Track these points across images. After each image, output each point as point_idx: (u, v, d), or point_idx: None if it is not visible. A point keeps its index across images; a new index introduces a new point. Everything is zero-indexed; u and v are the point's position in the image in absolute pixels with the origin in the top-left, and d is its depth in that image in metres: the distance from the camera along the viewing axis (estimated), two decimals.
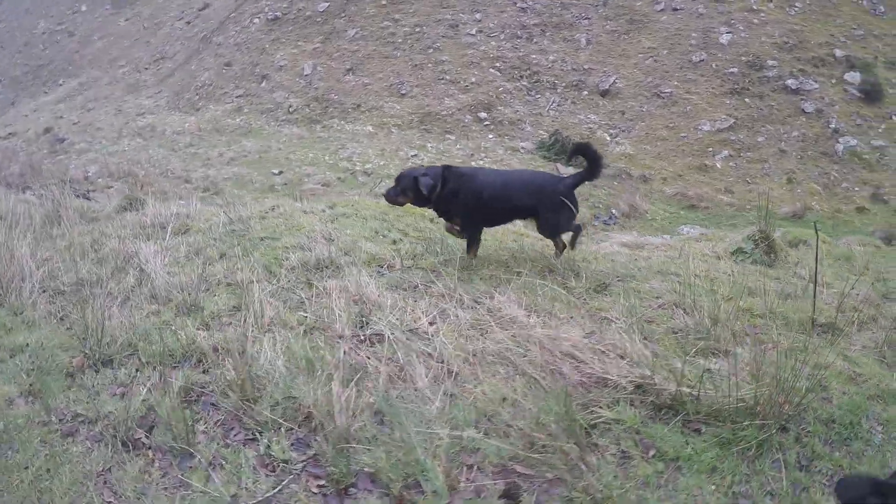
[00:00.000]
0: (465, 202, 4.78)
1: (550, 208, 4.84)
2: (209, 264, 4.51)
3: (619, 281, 4.60)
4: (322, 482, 2.23)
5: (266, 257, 4.63)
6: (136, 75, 23.41)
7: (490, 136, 15.88)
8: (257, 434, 2.50)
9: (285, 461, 2.36)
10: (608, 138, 16.50)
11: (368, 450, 2.31)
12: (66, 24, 30.60)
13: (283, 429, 2.49)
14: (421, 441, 2.27)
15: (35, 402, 2.92)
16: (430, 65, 18.09)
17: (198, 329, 3.41)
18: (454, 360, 2.87)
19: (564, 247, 5.14)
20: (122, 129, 18.59)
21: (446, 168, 4.82)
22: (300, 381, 2.68)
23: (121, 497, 2.29)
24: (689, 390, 2.77)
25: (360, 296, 3.71)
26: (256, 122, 16.98)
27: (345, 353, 2.87)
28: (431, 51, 18.53)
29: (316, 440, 2.41)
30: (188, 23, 25.07)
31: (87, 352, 3.22)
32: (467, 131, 15.94)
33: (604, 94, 17.95)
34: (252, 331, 3.20)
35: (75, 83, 25.09)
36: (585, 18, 20.18)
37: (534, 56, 18.76)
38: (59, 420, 2.81)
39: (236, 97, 18.56)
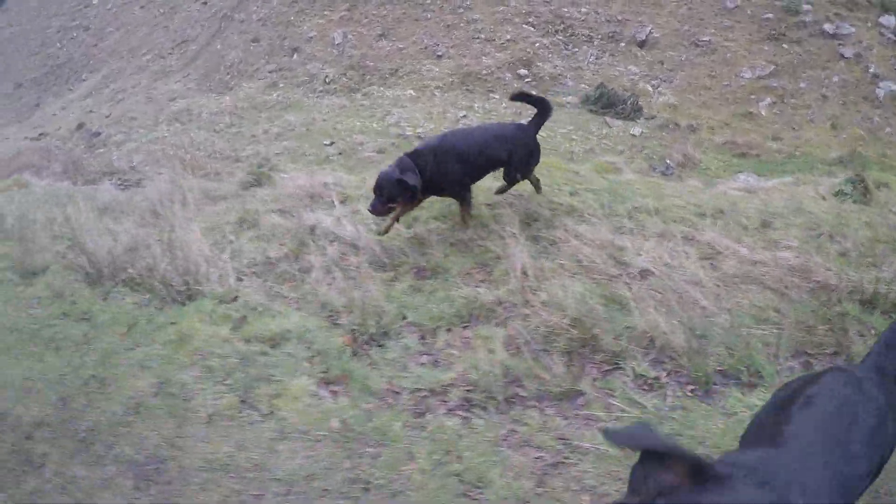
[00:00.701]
0: (453, 173, 4.85)
1: (522, 155, 5.18)
2: (416, 225, 4.89)
3: (773, 218, 4.88)
4: (692, 387, 2.60)
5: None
6: (161, 61, 23.17)
7: (534, 93, 15.59)
8: (619, 363, 2.90)
9: (655, 378, 2.74)
10: (650, 89, 16.19)
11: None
12: (78, 19, 30.33)
13: (637, 354, 2.85)
14: (738, 341, 2.61)
15: (346, 387, 3.12)
16: (462, 24, 17.77)
17: (475, 286, 3.79)
18: (710, 283, 3.22)
19: (538, 181, 5.68)
20: (158, 116, 18.46)
21: (413, 154, 4.80)
22: (618, 314, 3.04)
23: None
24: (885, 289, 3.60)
25: (604, 241, 3.98)
26: (294, 96, 16.79)
27: (631, 288, 3.26)
28: (462, 10, 18.18)
29: (667, 357, 2.78)
30: (205, 3, 24.70)
31: (356, 328, 3.47)
32: (509, 89, 15.65)
33: (641, 44, 17.57)
34: (532, 282, 3.55)
35: (99, 77, 24.93)
36: None
37: (566, 9, 18.35)
38: (394, 399, 2.99)
39: (269, 72, 18.35)
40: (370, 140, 12.95)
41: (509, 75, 16.19)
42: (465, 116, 14.00)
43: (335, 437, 2.97)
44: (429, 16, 18.16)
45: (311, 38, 18.64)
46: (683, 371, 3.07)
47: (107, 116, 20.33)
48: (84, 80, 25.72)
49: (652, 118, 14.98)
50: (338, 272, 4.50)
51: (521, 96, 5.53)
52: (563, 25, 17.89)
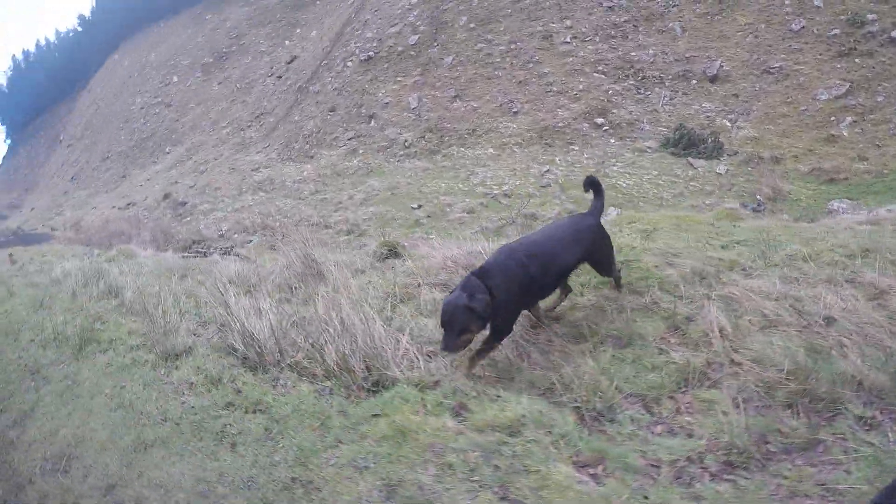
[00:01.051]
0: (529, 282, 4.23)
1: (604, 248, 4.68)
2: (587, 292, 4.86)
3: None
4: None
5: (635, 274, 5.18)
6: (241, 133, 24.38)
7: (612, 141, 15.76)
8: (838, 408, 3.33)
9: (871, 417, 2.99)
10: (728, 124, 16.09)
11: None
12: (160, 96, 32.28)
13: (851, 398, 3.07)
14: None
15: (605, 468, 3.17)
16: (533, 79, 18.15)
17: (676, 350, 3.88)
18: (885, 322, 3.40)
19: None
20: (241, 186, 19.33)
21: (481, 272, 4.19)
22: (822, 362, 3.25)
23: None
24: None
25: (779, 292, 4.07)
26: (374, 161, 17.36)
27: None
28: (531, 65, 18.59)
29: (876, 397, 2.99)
30: (279, 77, 25.98)
31: (580, 405, 3.53)
32: (588, 139, 15.86)
33: (713, 80, 17.54)
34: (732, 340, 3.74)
35: (182, 149, 26.33)
36: (674, 6, 19.82)
37: (633, 53, 18.55)
38: (656, 472, 3.13)
39: (347, 140, 19.06)
40: (457, 201, 13.26)
41: (586, 125, 16.39)
42: (547, 171, 14.22)
43: None
44: (500, 74, 18.62)
45: (387, 103, 19.33)
46: (893, 407, 3.26)
47: (191, 187, 21.45)
48: (168, 153, 27.29)
49: (734, 154, 14.87)
50: (530, 347, 4.42)
51: (590, 184, 4.89)
52: (632, 70, 18.06)
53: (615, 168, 14.12)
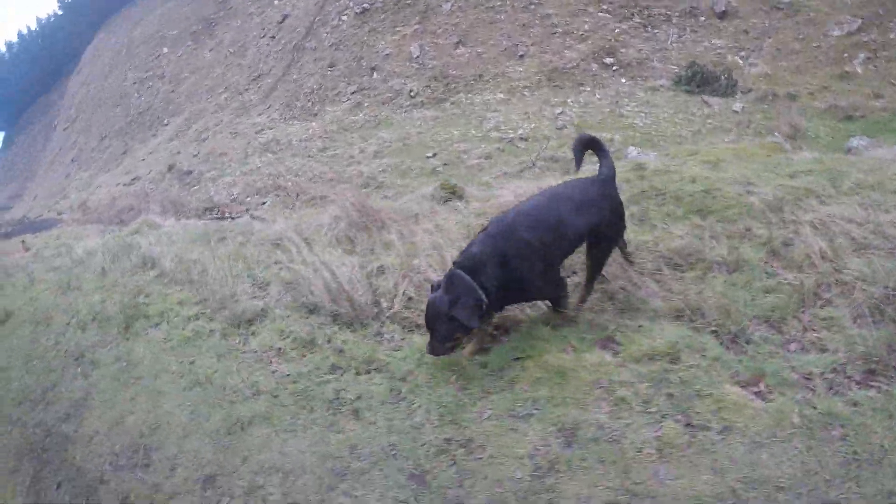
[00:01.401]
0: (531, 274, 3.68)
1: (614, 219, 4.05)
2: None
3: None
4: None
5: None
6: (239, 97, 23.91)
7: (623, 80, 15.43)
8: None
9: None
10: (740, 62, 15.76)
11: None
12: (152, 69, 31.62)
13: None
14: None
15: (766, 385, 3.09)
16: (537, 21, 17.72)
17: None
18: None
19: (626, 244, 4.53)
20: (247, 149, 19.01)
21: (470, 262, 3.63)
22: None
23: None
24: None
25: (861, 217, 3.96)
26: (382, 113, 17.04)
27: None
28: (534, 6, 18.13)
29: None
30: (273, 37, 25.37)
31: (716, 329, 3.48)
32: (598, 79, 15.54)
33: (721, 16, 17.14)
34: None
35: (181, 120, 25.88)
36: None
37: None
38: (810, 383, 3.09)
39: (351, 94, 18.68)
40: (473, 147, 13.01)
41: (595, 65, 16.04)
42: (561, 112, 13.95)
43: (802, 433, 2.87)
44: (502, 17, 18.17)
45: (388, 54, 18.89)
46: None
47: (195, 156, 21.09)
48: (166, 125, 26.79)
49: (748, 91, 14.58)
50: (644, 277, 4.25)
51: (582, 145, 4.16)
52: (637, 7, 17.63)
53: (629, 108, 13.83)
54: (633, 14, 17.48)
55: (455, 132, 14.06)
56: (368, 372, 4.03)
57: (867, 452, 2.75)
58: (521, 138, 12.80)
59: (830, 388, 3.10)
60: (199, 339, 5.01)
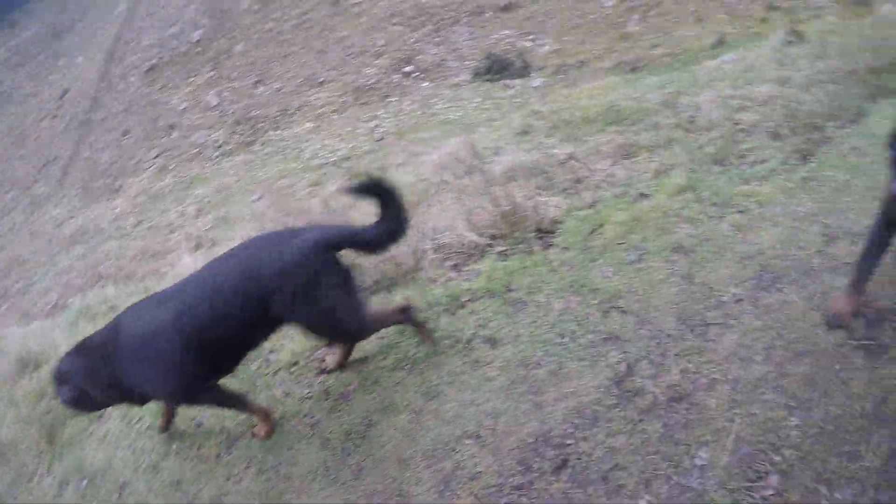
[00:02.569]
0: (158, 374, 2.81)
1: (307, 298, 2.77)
2: None
3: None
4: None
5: None
6: (28, 193, 21.54)
7: (425, 84, 15.54)
8: None
9: None
10: (529, 44, 16.44)
11: None
12: None
13: None
14: None
15: None
16: (332, 45, 17.51)
17: None
18: None
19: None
20: (50, 248, 17.11)
21: (84, 345, 2.93)
22: None
23: None
24: None
25: None
26: (190, 172, 15.96)
27: None
28: (326, 32, 17.93)
29: None
30: (54, 116, 23.23)
31: None
32: (402, 88, 15.55)
33: (505, 8, 17.84)
34: None
35: None
36: None
37: (424, 0, 18.42)
38: None
39: (153, 159, 17.39)
40: (297, 179, 12.41)
41: (396, 76, 16.05)
42: (376, 126, 13.75)
43: None
44: (296, 49, 17.80)
45: (185, 108, 17.84)
46: None
47: None
48: None
49: (543, 68, 15.21)
50: None
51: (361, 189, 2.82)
52: (427, 15, 17.92)
53: (439, 106, 13.92)
54: (424, 22, 17.73)
55: (276, 169, 13.42)
56: None
57: None
58: (344, 158, 12.42)
59: None
60: None
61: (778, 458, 2.39)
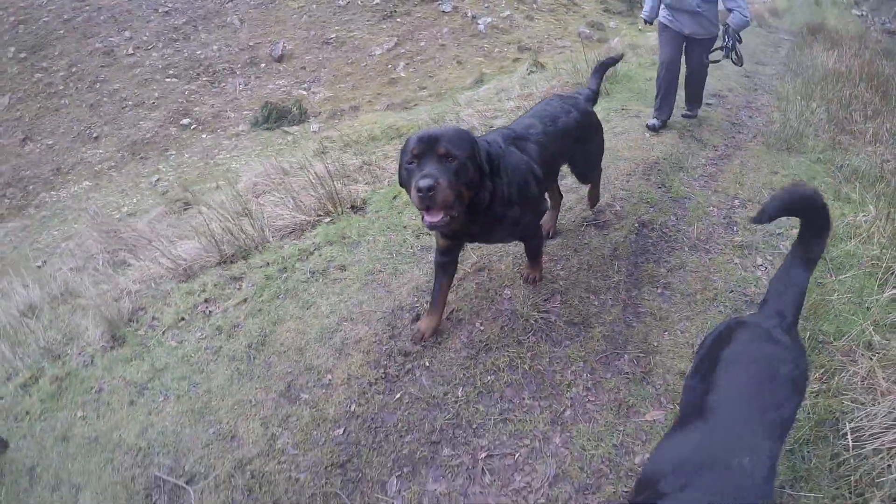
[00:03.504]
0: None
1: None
2: None
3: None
4: None
5: None
6: None
7: (204, 136, 16.25)
8: None
9: None
10: (305, 93, 17.77)
11: None
12: None
13: None
14: None
15: None
16: (105, 99, 17.55)
17: None
18: None
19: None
20: None
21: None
22: None
23: None
24: None
25: None
26: None
27: None
28: (99, 84, 17.91)
29: None
30: None
31: None
32: (181, 141, 16.11)
33: (279, 59, 19.02)
34: None
35: None
36: (229, 1, 20.74)
37: (199, 52, 19.07)
38: None
39: None
40: (79, 244, 12.58)
41: (174, 129, 16.57)
42: (158, 180, 14.28)
43: None
44: (67, 102, 17.58)
45: None
46: None
47: None
48: None
49: (319, 114, 16.63)
50: None
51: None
52: (202, 67, 18.58)
53: (222, 156, 14.77)
54: (198, 74, 18.37)
55: (55, 233, 13.39)
56: None
57: None
58: (129, 214, 12.81)
59: None
60: None
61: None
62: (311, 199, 5.63)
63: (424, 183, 2.48)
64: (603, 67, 4.52)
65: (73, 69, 18.55)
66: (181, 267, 5.16)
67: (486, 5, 20.73)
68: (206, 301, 4.64)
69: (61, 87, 18.04)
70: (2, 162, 16.48)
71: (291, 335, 4.02)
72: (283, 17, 20.10)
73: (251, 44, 19.27)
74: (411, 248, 4.75)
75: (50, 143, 16.62)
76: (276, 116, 16.12)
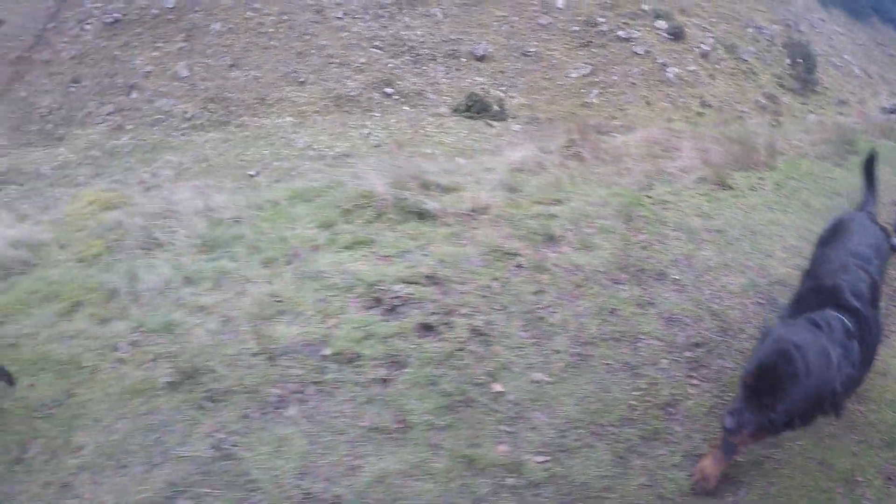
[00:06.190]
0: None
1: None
2: None
3: None
4: None
5: None
6: None
7: (406, 108, 16.57)
8: None
9: None
10: (502, 94, 18.04)
11: None
12: None
13: None
14: None
15: None
16: (313, 51, 18.08)
17: None
18: None
19: None
20: None
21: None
22: None
23: None
24: None
25: None
26: (151, 137, 15.73)
27: None
28: (308, 37, 18.47)
29: None
30: None
31: None
32: (384, 107, 16.46)
33: (480, 59, 19.40)
34: None
35: None
36: None
37: (403, 33, 19.55)
38: None
39: (107, 115, 16.89)
40: (296, 164, 12.80)
41: (377, 94, 16.94)
42: (368, 133, 14.52)
43: None
44: (276, 44, 18.15)
45: (149, 72, 17.55)
46: None
47: None
48: None
49: (516, 117, 16.81)
50: None
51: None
52: (406, 47, 19.04)
53: (430, 129, 15.01)
54: (402, 52, 18.82)
55: (265, 152, 13.73)
56: None
57: None
58: (344, 155, 13.00)
59: None
60: None
61: None
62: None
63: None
64: (870, 168, 3.86)
65: (284, 17, 19.17)
66: None
67: (674, 55, 21.02)
68: None
69: (271, 30, 18.64)
70: (208, 79, 17.07)
71: None
72: (484, 22, 20.54)
73: (452, 37, 19.70)
74: None
75: (256, 74, 17.14)
76: (478, 108, 16.42)
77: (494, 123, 15.73)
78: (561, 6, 21.22)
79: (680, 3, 22.62)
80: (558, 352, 3.23)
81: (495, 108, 16.52)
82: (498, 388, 3.03)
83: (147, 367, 3.43)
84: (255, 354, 3.36)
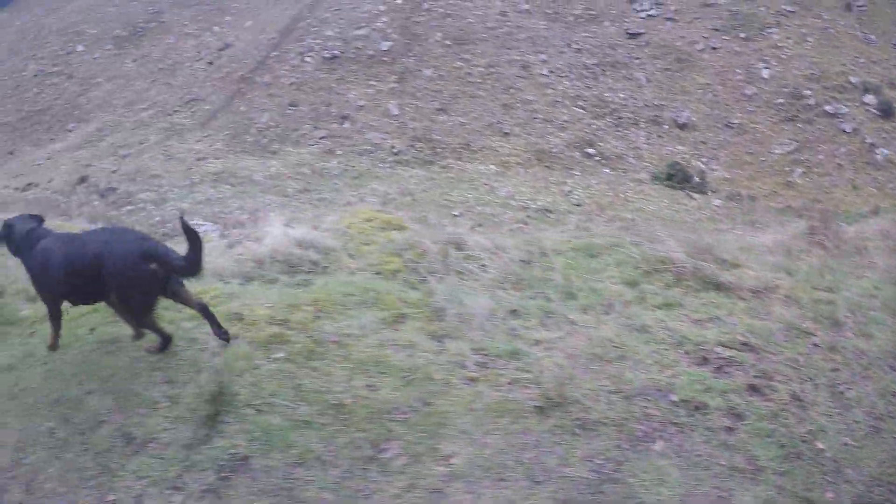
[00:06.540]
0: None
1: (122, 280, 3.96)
2: None
3: None
4: None
5: None
6: (167, 119, 22.01)
7: (606, 171, 16.41)
8: None
9: None
10: (702, 166, 17.47)
11: None
12: (60, 65, 28.24)
13: None
14: None
15: None
16: (518, 104, 18.44)
17: None
18: None
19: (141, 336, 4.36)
20: (190, 176, 17.48)
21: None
22: None
23: None
24: None
25: None
26: (360, 165, 16.53)
27: None
28: (513, 90, 18.90)
29: None
30: (210, 63, 23.95)
31: None
32: (584, 167, 16.40)
33: (682, 126, 18.97)
34: None
35: (91, 128, 23.27)
36: (636, 58, 21.18)
37: (607, 94, 19.53)
38: None
39: (320, 139, 17.98)
40: (499, 212, 12.96)
41: (578, 153, 16.92)
42: (570, 191, 14.45)
43: None
44: (482, 94, 18.69)
45: (362, 106, 18.57)
46: None
47: (113, 171, 18.98)
48: (70, 131, 23.87)
49: (717, 191, 16.15)
50: None
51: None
52: (608, 109, 18.98)
53: (629, 194, 14.70)
54: (605, 114, 18.79)
55: (468, 195, 14.02)
56: None
57: None
58: (546, 210, 13.00)
59: None
60: None
61: None
62: None
63: None
64: None
65: (492, 69, 19.77)
66: None
67: (883, 135, 19.60)
68: None
69: (479, 81, 19.24)
70: (417, 119, 17.79)
71: None
72: (687, 88, 20.13)
73: (655, 103, 19.46)
74: None
75: (462, 120, 17.68)
76: (680, 178, 16.04)
77: (695, 196, 15.21)
78: (766, 76, 20.48)
79: (890, 75, 21.33)
80: (857, 422, 3.54)
81: (696, 179, 16.00)
82: (819, 445, 3.45)
83: (505, 389, 3.78)
84: (612, 392, 3.71)
